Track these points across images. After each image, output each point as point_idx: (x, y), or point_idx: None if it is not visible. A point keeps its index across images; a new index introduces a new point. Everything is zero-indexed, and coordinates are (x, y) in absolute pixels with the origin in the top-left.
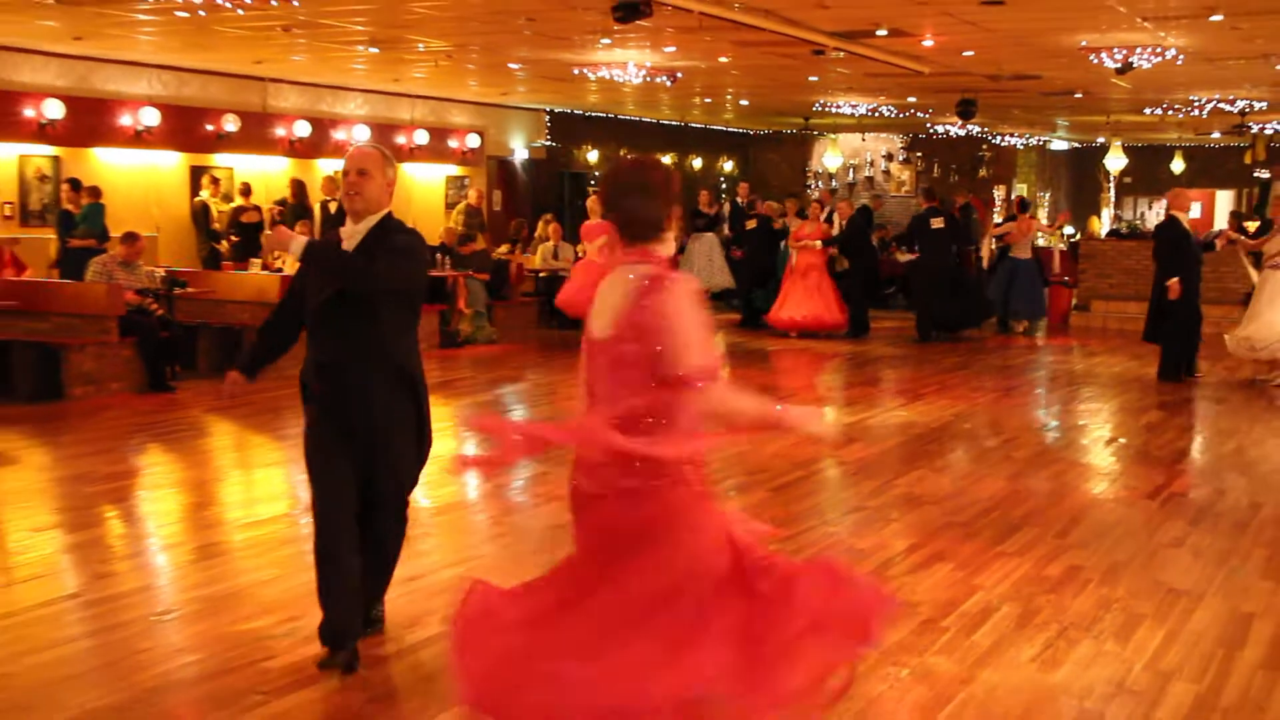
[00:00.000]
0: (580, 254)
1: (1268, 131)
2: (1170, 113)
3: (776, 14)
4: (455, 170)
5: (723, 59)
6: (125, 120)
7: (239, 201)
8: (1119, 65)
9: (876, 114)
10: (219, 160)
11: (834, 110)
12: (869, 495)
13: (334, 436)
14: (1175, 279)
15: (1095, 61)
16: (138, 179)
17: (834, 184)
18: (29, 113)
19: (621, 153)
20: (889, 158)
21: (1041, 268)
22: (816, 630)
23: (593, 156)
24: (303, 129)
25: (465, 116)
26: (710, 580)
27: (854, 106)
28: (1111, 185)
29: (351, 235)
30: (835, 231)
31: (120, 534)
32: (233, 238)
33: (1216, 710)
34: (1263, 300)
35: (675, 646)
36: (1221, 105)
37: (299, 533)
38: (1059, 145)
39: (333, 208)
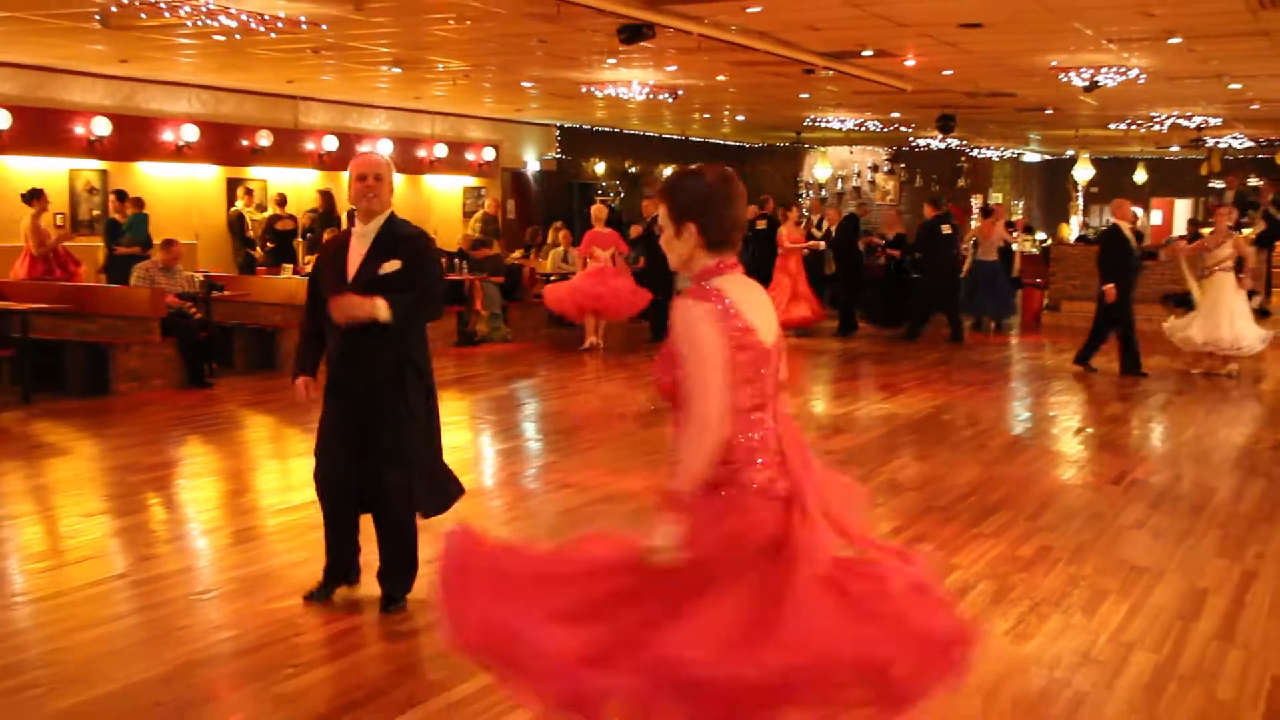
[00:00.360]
0: (585, 261)
1: (1222, 145)
2: (1133, 128)
3: (770, 36)
4: (472, 181)
5: (720, 77)
6: (167, 136)
7: (273, 210)
8: (1086, 84)
9: (863, 128)
10: (253, 173)
11: (824, 125)
12: (855, 482)
13: (344, 421)
14: (1110, 284)
15: (1065, 80)
16: (179, 190)
17: (824, 193)
18: (79, 130)
19: (625, 166)
20: (875, 169)
21: (1007, 268)
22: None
23: (600, 168)
24: (331, 143)
25: (481, 131)
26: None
27: (842, 121)
28: (1080, 194)
29: (364, 234)
30: (819, 235)
31: (163, 519)
32: (269, 244)
33: (1174, 678)
34: (1219, 303)
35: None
36: (1180, 121)
37: None
38: (1031, 157)
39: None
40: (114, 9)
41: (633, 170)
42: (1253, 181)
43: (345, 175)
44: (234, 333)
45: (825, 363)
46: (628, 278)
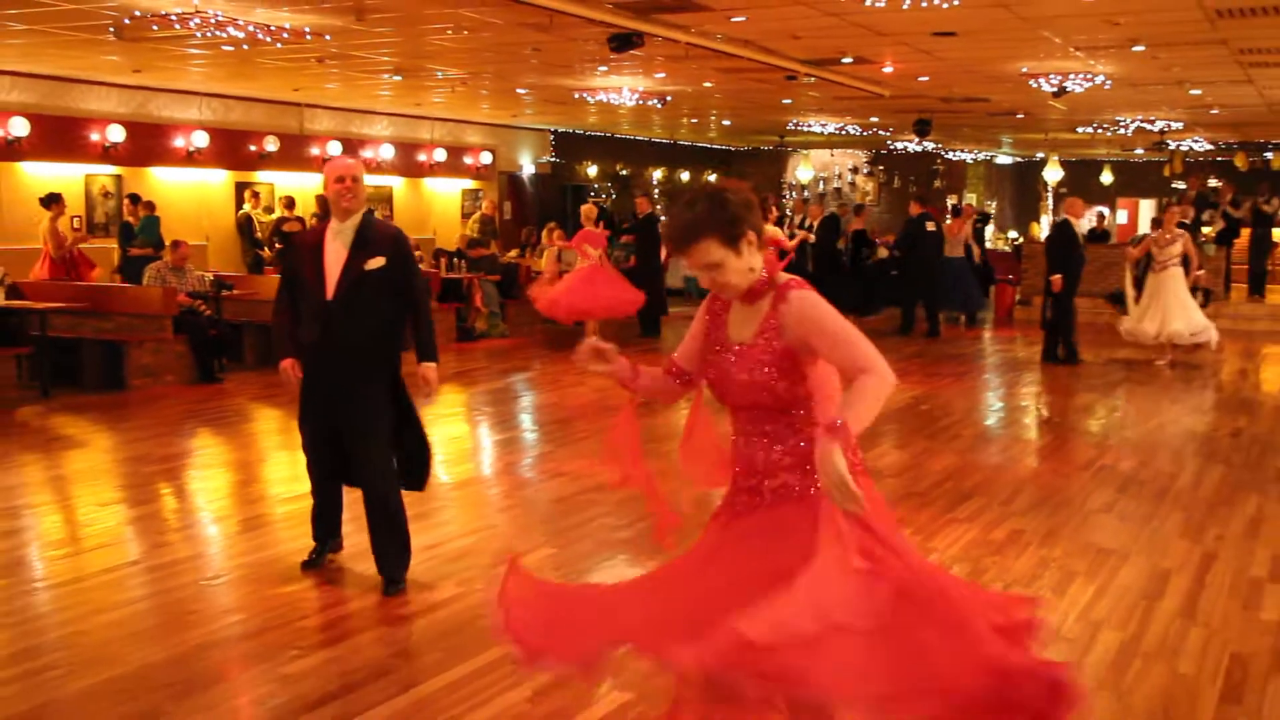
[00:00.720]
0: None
1: (1183, 148)
2: (1100, 131)
3: (754, 44)
4: (470, 184)
5: (707, 84)
6: (178, 142)
7: (280, 213)
8: (1055, 89)
9: (843, 132)
10: (261, 177)
11: (806, 129)
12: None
13: (321, 395)
14: (1058, 275)
15: (1035, 86)
16: (190, 194)
17: (806, 194)
18: (94, 137)
19: (617, 169)
20: (855, 171)
21: (972, 264)
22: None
23: (592, 171)
24: (335, 148)
25: (479, 136)
26: None
27: (823, 125)
28: (1049, 195)
29: (342, 231)
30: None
31: (174, 508)
32: (276, 245)
33: (1138, 654)
34: (1174, 296)
35: None
36: (1144, 125)
37: None
38: (1004, 160)
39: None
40: (127, 21)
41: (624, 173)
42: (1212, 182)
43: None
44: (243, 330)
45: None
46: (617, 283)
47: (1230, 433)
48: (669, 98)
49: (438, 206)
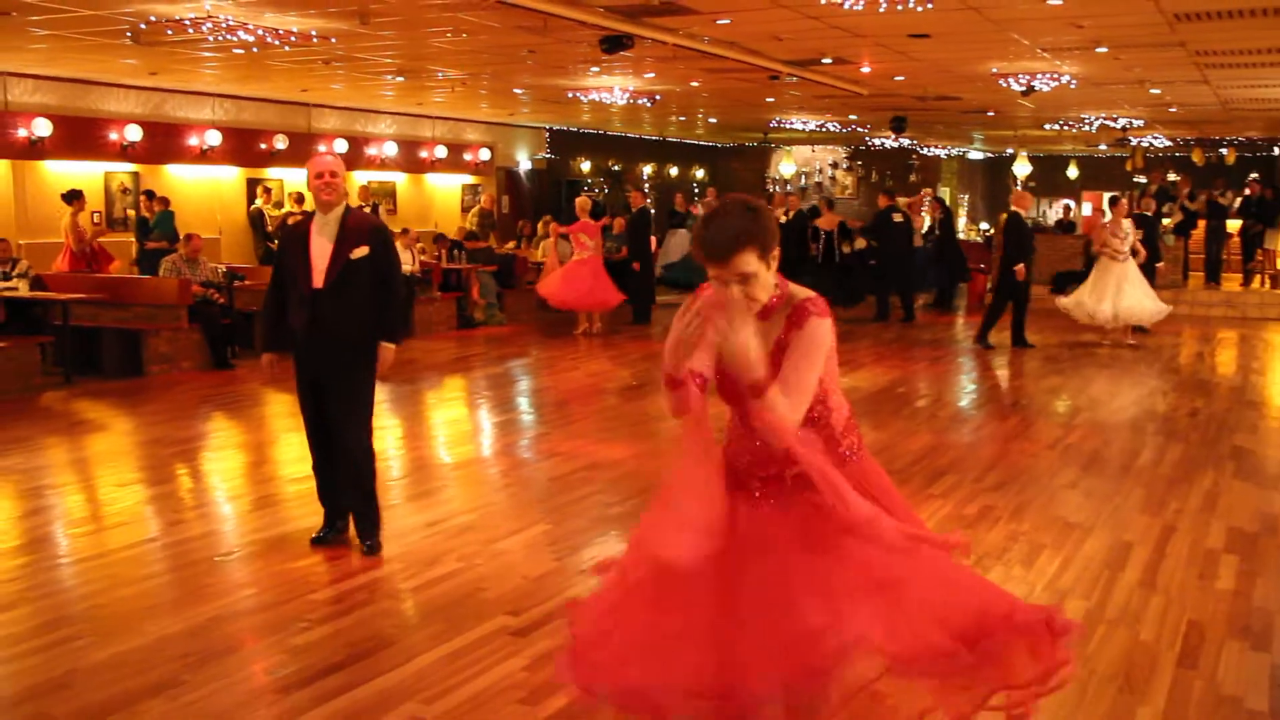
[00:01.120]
0: (564, 252)
1: (1145, 144)
2: (1066, 128)
3: (739, 45)
4: (470, 179)
5: (694, 83)
6: (192, 141)
7: (289, 207)
8: (1024, 89)
9: (824, 129)
10: (271, 173)
11: (788, 126)
12: None
13: (310, 381)
14: (1021, 264)
15: (1004, 85)
16: (203, 190)
17: (788, 188)
18: (113, 136)
19: (609, 165)
20: (835, 166)
21: (941, 253)
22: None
23: (586, 166)
24: (341, 146)
25: (478, 134)
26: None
27: (805, 123)
28: (1019, 188)
29: (326, 222)
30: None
31: (190, 488)
32: None
33: (1102, 621)
34: (1134, 282)
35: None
36: (1107, 123)
37: None
38: (975, 155)
39: (365, 209)
40: (144, 27)
41: (616, 168)
42: (1171, 177)
43: (355, 175)
44: (254, 318)
45: None
46: (600, 280)
47: (1188, 413)
48: (658, 97)
49: (439, 201)
